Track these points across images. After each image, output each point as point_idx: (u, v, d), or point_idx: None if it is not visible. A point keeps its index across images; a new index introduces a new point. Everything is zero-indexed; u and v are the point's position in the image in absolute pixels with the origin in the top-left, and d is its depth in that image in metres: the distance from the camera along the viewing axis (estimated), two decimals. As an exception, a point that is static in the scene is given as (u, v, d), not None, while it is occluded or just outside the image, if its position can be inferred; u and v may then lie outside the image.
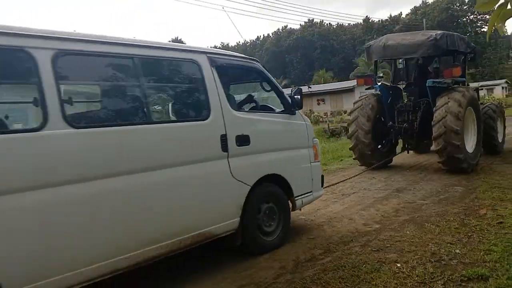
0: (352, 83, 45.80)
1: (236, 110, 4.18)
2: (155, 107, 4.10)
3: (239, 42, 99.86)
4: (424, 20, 50.62)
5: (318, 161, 5.22)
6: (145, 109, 3.57)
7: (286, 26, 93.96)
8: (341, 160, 10.89)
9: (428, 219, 5.19)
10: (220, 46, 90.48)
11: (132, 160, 3.26)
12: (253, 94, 5.07)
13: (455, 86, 8.42)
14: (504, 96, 44.76)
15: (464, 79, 9.21)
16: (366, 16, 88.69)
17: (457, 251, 4.06)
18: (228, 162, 3.96)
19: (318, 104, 44.29)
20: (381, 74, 10.00)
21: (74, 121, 3.00)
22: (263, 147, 4.35)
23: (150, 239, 3.32)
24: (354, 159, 9.37)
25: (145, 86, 3.62)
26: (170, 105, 4.32)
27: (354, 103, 9.40)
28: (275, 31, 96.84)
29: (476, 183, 7.07)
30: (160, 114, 4.23)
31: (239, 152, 4.06)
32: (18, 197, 2.62)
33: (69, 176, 2.87)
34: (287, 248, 4.49)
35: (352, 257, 4.09)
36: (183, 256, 3.90)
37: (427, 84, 8.49)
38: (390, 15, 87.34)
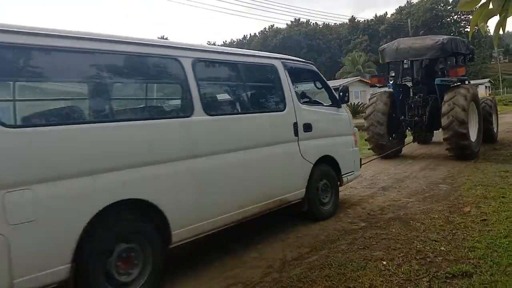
0: (338, 82, 46.10)
1: (301, 104, 5.26)
2: (257, 100, 5.21)
3: (225, 41, 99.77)
4: (409, 20, 51.17)
5: (357, 146, 6.36)
6: (252, 102, 4.91)
7: (272, 26, 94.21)
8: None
9: (413, 217, 5.24)
10: (208, 44, 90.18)
11: (245, 140, 4.40)
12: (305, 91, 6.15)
13: (459, 83, 9.61)
14: (487, 95, 45.52)
15: (466, 77, 10.28)
16: (352, 16, 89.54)
17: (442, 248, 4.11)
18: (298, 144, 5.06)
19: (305, 103, 44.45)
20: (393, 74, 10.99)
21: (210, 111, 4.01)
22: (320, 133, 5.44)
23: (254, 199, 4.42)
24: (369, 149, 10.34)
25: (247, 85, 4.90)
26: (262, 99, 5.33)
27: (369, 99, 10.79)
28: (261, 31, 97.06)
29: (460, 181, 7.17)
30: (259, 105, 5.17)
31: (305, 137, 5.13)
32: (200, 161, 3.81)
33: (210, 150, 3.93)
34: (274, 247, 4.50)
35: (338, 255, 4.11)
36: (171, 256, 3.87)
37: (435, 82, 9.67)
38: (376, 15, 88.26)
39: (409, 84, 10.81)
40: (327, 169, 5.55)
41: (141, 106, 4.21)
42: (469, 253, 3.94)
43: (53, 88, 3.56)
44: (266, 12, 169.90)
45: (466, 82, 10.19)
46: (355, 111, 37.28)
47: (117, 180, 3.15)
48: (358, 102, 39.94)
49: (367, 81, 48.89)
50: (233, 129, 4.23)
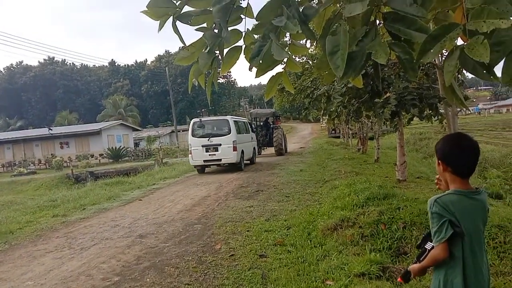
0: (99, 125, 44.36)
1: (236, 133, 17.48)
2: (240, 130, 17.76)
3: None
4: (167, 68, 54.14)
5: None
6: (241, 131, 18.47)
7: (21, 62, 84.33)
8: (84, 209, 10.06)
9: (168, 262, 5.22)
10: None
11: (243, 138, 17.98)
12: None
13: (278, 126, 23.39)
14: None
15: (280, 125, 24.31)
16: (112, 60, 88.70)
17: (194, 291, 4.17)
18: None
19: (62, 147, 40.72)
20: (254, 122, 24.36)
21: (238, 133, 17.05)
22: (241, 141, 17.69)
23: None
24: None
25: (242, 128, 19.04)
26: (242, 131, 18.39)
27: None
28: (7, 66, 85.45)
29: (214, 219, 7.65)
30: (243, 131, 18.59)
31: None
32: None
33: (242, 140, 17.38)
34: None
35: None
36: None
37: (271, 126, 23.89)
38: (136, 61, 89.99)
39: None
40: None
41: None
42: (217, 291, 4.12)
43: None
44: (11, 47, 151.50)
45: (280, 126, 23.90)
46: (117, 155, 36.47)
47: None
48: (121, 146, 39.17)
49: (130, 125, 48.91)
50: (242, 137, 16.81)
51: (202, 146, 15.65)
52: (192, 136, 16.05)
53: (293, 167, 15.45)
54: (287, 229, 6.43)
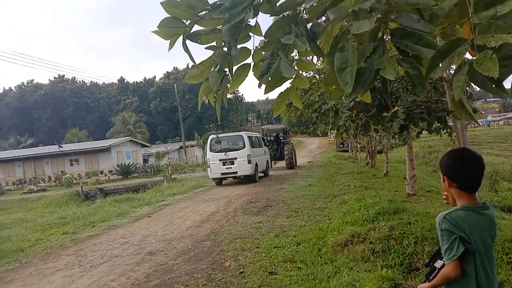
0: (108, 142, 44.67)
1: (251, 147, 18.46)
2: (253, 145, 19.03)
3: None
4: (175, 84, 54.66)
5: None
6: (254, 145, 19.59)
7: (32, 80, 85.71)
8: (93, 226, 10.09)
9: (178, 280, 5.19)
10: None
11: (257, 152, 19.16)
12: None
13: (288, 141, 23.73)
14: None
15: (289, 140, 24.89)
16: (121, 77, 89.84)
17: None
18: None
19: (71, 164, 41.01)
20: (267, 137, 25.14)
21: (252, 147, 17.94)
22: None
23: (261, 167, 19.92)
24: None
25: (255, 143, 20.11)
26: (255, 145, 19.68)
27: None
28: (18, 85, 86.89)
29: (222, 236, 7.62)
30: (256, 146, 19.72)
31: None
32: None
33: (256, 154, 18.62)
34: None
35: None
36: None
37: (281, 141, 24.57)
38: (145, 78, 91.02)
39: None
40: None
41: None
42: (227, 309, 4.07)
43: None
44: (22, 66, 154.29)
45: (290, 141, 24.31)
46: (126, 171, 36.62)
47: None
48: (130, 163, 39.36)
49: (138, 141, 49.24)
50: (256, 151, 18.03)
51: (220, 160, 16.92)
52: (210, 151, 17.32)
53: (301, 181, 15.38)
54: (297, 245, 6.37)
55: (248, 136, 17.63)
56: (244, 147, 16.83)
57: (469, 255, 1.95)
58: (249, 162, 16.69)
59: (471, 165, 2.05)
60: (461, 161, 2.07)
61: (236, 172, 16.84)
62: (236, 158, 16.71)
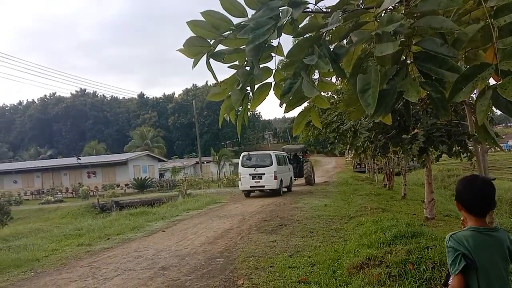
0: (126, 155, 45.23)
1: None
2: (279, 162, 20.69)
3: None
4: (194, 101, 55.30)
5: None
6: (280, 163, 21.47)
7: (54, 93, 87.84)
8: (108, 238, 10.15)
9: (190, 297, 5.16)
10: (-31, 107, 77.04)
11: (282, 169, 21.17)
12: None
13: (307, 159, 26.84)
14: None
15: (309, 159, 27.74)
16: (141, 92, 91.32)
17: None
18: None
19: (89, 177, 41.58)
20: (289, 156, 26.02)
21: (278, 165, 19.92)
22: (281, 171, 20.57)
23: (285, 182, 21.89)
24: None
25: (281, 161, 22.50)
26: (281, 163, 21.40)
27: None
28: (41, 97, 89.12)
29: (236, 254, 7.57)
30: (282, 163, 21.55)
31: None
32: None
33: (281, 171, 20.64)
34: None
35: None
36: None
37: (301, 159, 26.68)
38: (164, 94, 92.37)
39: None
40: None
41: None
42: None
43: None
44: (46, 79, 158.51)
45: (309, 160, 27.20)
46: (142, 185, 36.92)
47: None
48: (146, 177, 39.69)
49: (155, 156, 49.74)
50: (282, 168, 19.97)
51: (249, 174, 19.13)
52: (242, 166, 19.56)
53: (317, 201, 15.25)
54: (312, 266, 6.28)
55: (275, 155, 19.92)
56: (272, 164, 18.96)
57: (472, 270, 2.09)
58: (275, 177, 18.79)
59: (478, 192, 2.21)
60: (469, 188, 2.25)
61: (263, 186, 18.97)
62: (264, 174, 18.84)
